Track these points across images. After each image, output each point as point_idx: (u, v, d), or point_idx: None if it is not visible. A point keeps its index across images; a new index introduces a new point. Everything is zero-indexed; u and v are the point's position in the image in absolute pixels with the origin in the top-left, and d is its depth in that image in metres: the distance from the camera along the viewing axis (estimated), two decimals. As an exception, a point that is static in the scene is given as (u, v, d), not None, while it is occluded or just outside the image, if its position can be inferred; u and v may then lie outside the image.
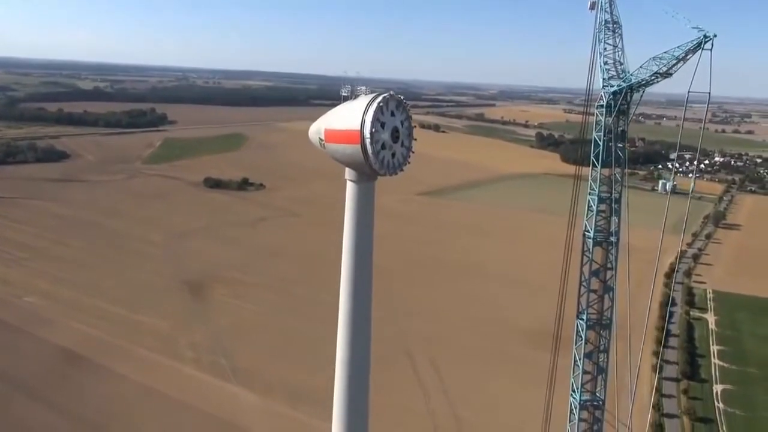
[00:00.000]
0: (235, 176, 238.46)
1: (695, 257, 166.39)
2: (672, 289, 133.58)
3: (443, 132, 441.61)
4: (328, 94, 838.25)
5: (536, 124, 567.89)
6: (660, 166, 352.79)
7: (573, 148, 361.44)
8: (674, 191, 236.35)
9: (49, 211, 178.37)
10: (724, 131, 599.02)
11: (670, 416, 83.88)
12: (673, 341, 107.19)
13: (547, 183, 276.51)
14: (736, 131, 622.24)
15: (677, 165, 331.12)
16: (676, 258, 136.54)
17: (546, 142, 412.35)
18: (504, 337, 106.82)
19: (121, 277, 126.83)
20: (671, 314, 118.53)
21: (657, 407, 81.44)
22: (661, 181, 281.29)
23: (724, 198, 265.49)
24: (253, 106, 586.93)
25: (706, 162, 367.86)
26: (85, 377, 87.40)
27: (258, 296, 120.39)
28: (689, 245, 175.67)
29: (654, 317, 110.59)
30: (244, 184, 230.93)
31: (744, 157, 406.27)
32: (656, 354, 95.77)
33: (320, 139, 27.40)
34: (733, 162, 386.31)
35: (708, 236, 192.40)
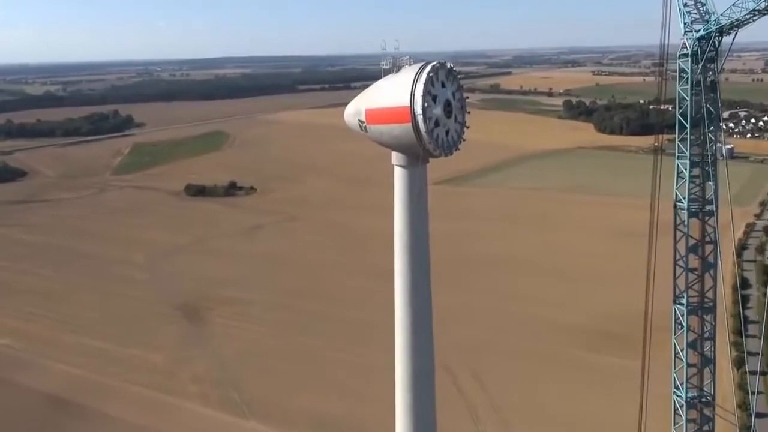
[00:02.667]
0: (220, 180, 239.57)
1: (767, 230, 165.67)
2: (742, 268, 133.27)
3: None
4: (316, 76, 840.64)
5: (562, 91, 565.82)
6: (711, 128, 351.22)
7: (609, 116, 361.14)
8: (732, 156, 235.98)
9: (11, 238, 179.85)
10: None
11: (762, 416, 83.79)
12: (752, 329, 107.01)
13: (583, 158, 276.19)
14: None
15: (731, 125, 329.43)
16: (746, 232, 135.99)
17: (576, 111, 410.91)
18: (550, 339, 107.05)
19: (103, 308, 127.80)
20: (746, 298, 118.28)
21: (743, 406, 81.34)
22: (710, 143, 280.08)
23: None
24: (231, 98, 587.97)
25: (766, 119, 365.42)
26: (76, 424, 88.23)
27: (263, 316, 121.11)
28: (757, 217, 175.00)
29: (726, 303, 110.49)
30: (231, 189, 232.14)
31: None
32: (735, 345, 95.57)
33: (360, 121, 27.74)
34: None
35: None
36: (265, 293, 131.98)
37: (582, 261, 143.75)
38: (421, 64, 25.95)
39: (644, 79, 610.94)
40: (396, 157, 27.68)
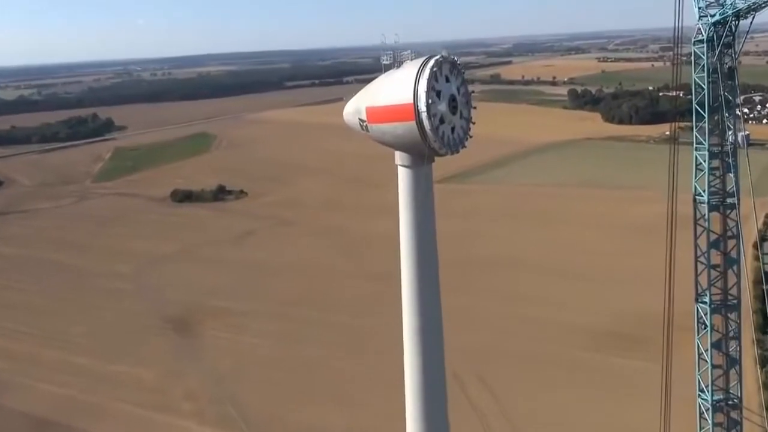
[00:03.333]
0: (207, 185, 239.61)
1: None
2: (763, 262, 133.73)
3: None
4: (306, 72, 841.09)
5: (566, 79, 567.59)
6: (727, 114, 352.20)
7: (616, 104, 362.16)
8: (748, 143, 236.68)
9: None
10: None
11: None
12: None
13: (590, 150, 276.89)
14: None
15: (746, 110, 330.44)
16: (765, 223, 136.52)
17: (581, 100, 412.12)
18: (560, 341, 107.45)
19: (88, 322, 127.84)
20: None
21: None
22: (730, 132, 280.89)
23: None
24: (216, 97, 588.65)
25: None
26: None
27: (259, 327, 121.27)
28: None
29: (749, 299, 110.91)
30: (220, 193, 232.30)
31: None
32: (758, 343, 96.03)
33: (361, 120, 28.02)
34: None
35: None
36: (259, 302, 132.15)
37: (592, 259, 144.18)
38: (424, 58, 26.23)
39: (652, 65, 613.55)
40: (400, 157, 27.95)
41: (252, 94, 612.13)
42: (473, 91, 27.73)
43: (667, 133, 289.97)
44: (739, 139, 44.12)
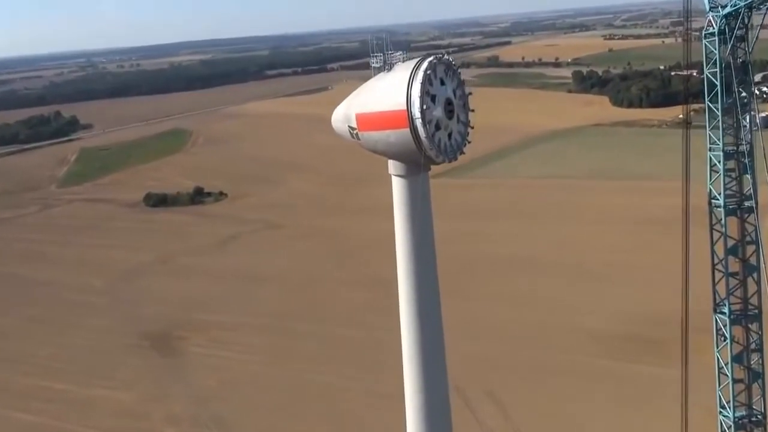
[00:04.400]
0: (184, 187, 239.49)
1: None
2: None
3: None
4: (286, 59, 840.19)
5: (570, 60, 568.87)
6: (744, 94, 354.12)
7: (625, 86, 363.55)
8: (767, 125, 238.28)
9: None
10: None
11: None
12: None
13: (598, 137, 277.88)
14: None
15: (765, 88, 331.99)
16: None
17: (587, 82, 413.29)
18: (576, 349, 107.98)
19: (59, 342, 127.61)
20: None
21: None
22: (745, 129, 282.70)
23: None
24: (190, 90, 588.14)
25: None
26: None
27: (247, 341, 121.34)
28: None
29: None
30: (198, 196, 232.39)
31: None
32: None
33: (351, 128, 28.42)
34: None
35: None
36: (245, 315, 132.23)
37: (604, 257, 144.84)
38: (417, 60, 26.64)
39: (663, 41, 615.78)
40: (393, 166, 28.36)
41: (229, 84, 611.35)
42: (470, 93, 28.19)
43: (681, 116, 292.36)
44: (758, 120, 44.57)
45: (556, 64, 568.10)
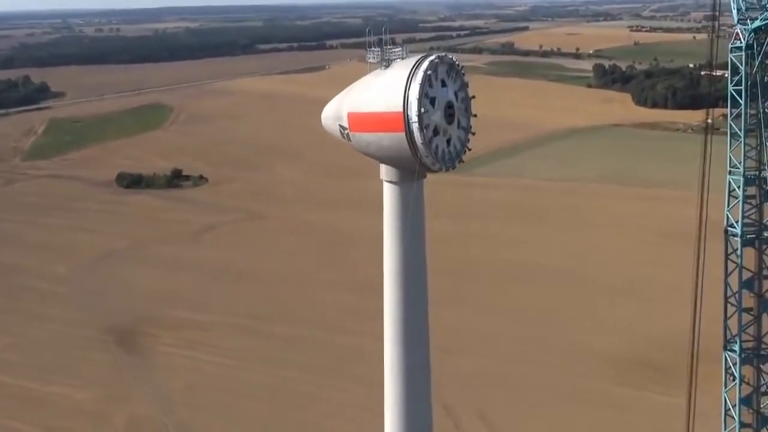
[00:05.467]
0: (161, 168, 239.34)
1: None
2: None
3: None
4: (282, 33, 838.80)
5: (591, 52, 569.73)
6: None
7: (650, 84, 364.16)
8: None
9: None
10: None
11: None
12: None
13: (618, 139, 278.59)
14: None
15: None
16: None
17: (609, 77, 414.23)
18: (579, 370, 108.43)
19: (17, 334, 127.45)
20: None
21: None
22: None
23: None
24: (174, 60, 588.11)
25: None
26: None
27: (221, 343, 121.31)
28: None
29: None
30: (175, 179, 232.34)
31: None
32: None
33: (342, 127, 28.60)
34: None
35: None
36: (220, 314, 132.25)
37: (616, 270, 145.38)
38: (417, 58, 26.77)
39: (694, 37, 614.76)
40: (385, 172, 28.51)
41: (217, 57, 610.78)
42: (473, 96, 28.34)
43: (710, 120, 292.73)
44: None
45: (576, 56, 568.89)
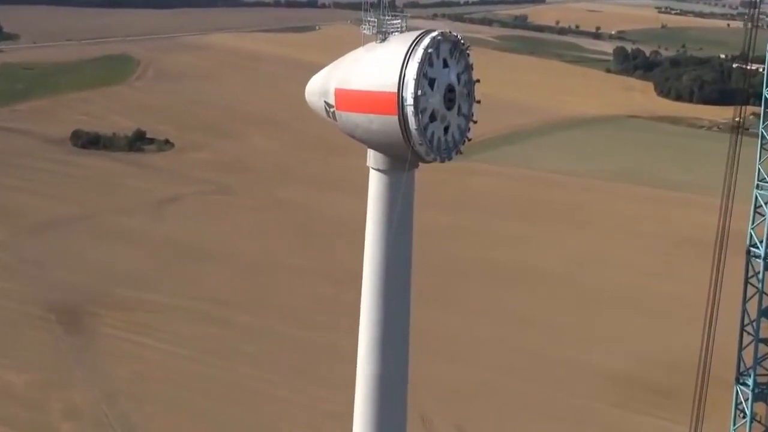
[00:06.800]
0: (122, 127, 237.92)
1: None
2: None
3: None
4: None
5: (614, 32, 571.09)
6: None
7: (676, 74, 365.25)
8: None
9: None
10: None
11: None
12: None
13: (636, 132, 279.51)
14: None
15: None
16: None
17: (631, 63, 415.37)
18: (573, 386, 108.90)
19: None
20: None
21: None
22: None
23: None
24: (145, 8, 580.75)
25: None
26: None
27: (175, 329, 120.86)
28: None
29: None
30: (138, 142, 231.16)
31: None
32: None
33: (328, 104, 28.19)
34: None
35: None
36: (178, 297, 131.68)
37: (622, 278, 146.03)
38: (418, 33, 26.37)
39: (728, 24, 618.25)
40: (373, 158, 28.21)
41: (193, 8, 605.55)
42: (478, 80, 27.99)
43: (736, 119, 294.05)
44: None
45: (596, 35, 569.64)
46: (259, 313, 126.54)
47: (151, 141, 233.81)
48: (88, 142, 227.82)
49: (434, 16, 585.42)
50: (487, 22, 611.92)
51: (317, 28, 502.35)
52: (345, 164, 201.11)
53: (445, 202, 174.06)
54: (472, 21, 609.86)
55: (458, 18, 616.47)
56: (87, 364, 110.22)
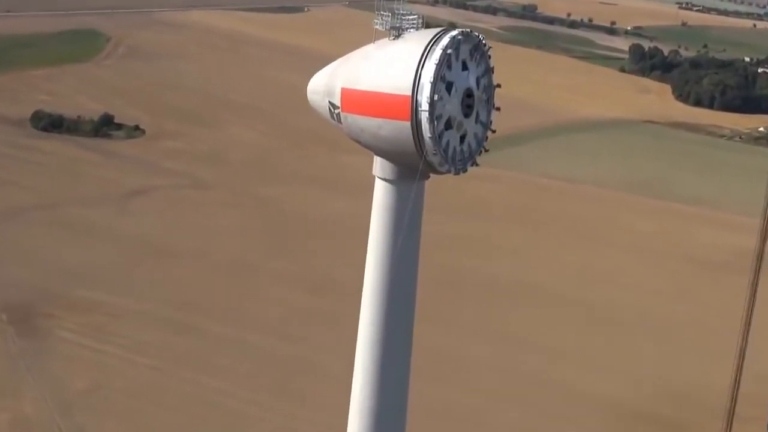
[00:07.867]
0: (88, 110, 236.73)
1: None
2: None
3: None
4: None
5: (629, 28, 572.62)
6: None
7: (696, 76, 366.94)
8: None
9: None
10: None
11: None
12: None
13: (650, 138, 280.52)
14: None
15: None
16: None
17: (648, 63, 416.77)
18: (569, 416, 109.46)
19: None
20: None
21: None
22: None
23: None
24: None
25: None
26: None
27: (138, 336, 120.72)
28: None
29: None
30: (105, 126, 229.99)
31: None
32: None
33: (332, 105, 27.96)
34: None
35: None
36: (143, 300, 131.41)
37: (631, 299, 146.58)
38: (436, 31, 26.19)
39: (755, 25, 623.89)
40: (380, 167, 28.04)
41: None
42: (498, 85, 27.89)
43: (762, 129, 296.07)
44: None
45: (611, 30, 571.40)
46: (228, 320, 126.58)
47: (120, 126, 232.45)
48: (50, 124, 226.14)
49: (435, 2, 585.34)
50: (492, 10, 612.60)
51: (306, 9, 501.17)
52: (332, 160, 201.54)
53: (440, 207, 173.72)
54: (475, 9, 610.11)
55: (461, 5, 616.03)
56: (40, 370, 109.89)
